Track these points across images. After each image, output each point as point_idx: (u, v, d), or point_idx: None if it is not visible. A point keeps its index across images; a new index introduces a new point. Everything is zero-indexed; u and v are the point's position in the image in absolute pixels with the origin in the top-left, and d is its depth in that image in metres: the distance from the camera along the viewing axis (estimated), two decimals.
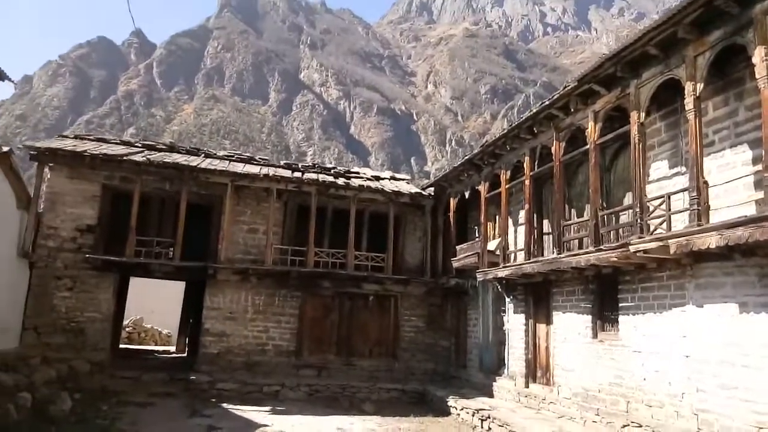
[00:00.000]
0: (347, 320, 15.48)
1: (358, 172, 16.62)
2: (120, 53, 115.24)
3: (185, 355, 18.38)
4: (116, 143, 14.70)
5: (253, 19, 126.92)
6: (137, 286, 26.98)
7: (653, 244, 7.78)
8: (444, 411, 12.59)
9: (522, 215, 12.90)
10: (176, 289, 21.07)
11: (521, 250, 12.42)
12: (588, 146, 9.64)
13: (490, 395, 13.01)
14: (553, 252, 10.45)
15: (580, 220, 10.37)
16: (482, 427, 10.95)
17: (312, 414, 11.81)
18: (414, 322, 15.91)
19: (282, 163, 15.93)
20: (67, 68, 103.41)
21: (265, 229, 14.73)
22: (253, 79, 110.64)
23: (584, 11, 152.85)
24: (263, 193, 15.05)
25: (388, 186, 15.75)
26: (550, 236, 12.11)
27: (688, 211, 7.46)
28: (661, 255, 7.75)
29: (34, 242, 13.22)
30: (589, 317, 10.23)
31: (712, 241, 6.69)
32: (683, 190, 7.90)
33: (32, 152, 12.93)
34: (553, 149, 10.60)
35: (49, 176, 13.58)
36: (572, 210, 11.35)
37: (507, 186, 12.37)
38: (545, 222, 12.41)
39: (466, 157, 13.41)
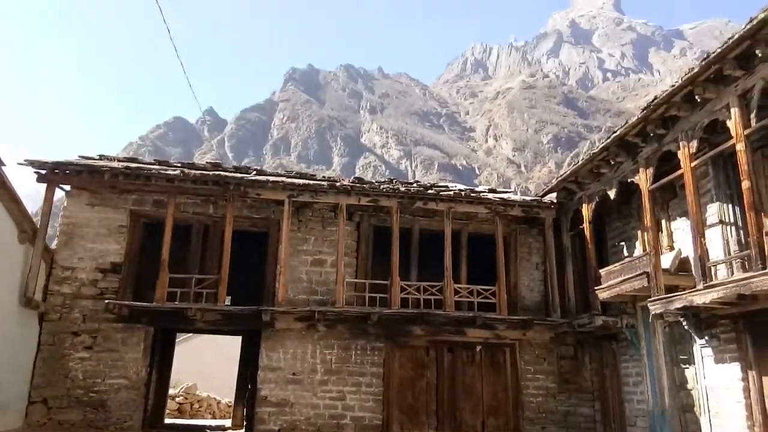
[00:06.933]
0: (449, 380, 11.36)
1: (447, 186, 12.94)
2: (194, 130, 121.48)
3: (243, 431, 14.62)
4: (149, 163, 11.95)
5: (315, 89, 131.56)
6: (191, 345, 23.89)
7: None
8: None
9: (710, 211, 8.68)
10: (238, 348, 17.57)
11: (722, 262, 8.12)
12: None
13: None
14: None
15: None
16: None
17: None
18: (541, 381, 11.51)
19: (351, 178, 12.65)
20: (146, 148, 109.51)
21: (334, 260, 11.22)
22: (317, 146, 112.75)
23: (644, 55, 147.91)
24: (330, 213, 11.69)
25: (492, 196, 11.94)
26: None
27: None
28: None
29: (45, 288, 10.37)
30: None
31: None
32: None
33: (38, 170, 10.23)
34: None
35: (65, 204, 10.89)
36: None
37: (693, 164, 8.16)
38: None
39: (614, 134, 9.32)
